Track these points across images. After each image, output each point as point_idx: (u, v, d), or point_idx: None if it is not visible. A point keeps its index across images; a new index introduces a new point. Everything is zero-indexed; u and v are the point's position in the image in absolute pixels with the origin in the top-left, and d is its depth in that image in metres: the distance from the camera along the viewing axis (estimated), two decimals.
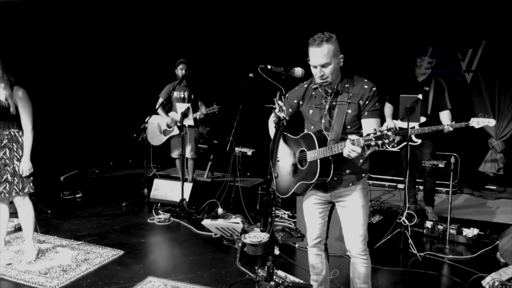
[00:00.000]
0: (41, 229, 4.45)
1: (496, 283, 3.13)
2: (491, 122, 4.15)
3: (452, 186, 6.07)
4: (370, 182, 6.61)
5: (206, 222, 4.21)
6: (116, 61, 7.81)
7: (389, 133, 2.00)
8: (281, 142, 2.65)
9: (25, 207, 3.72)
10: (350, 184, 2.56)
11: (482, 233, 4.39)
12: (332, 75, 2.44)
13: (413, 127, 4.60)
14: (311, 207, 2.74)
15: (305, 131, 2.62)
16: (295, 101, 2.69)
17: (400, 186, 6.20)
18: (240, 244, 2.63)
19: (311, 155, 2.47)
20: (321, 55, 2.37)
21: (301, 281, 1.90)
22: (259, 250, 1.77)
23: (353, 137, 2.12)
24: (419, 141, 4.69)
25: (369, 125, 2.46)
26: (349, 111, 2.48)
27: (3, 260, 3.77)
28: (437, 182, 5.02)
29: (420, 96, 4.08)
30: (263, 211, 1.79)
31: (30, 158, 3.59)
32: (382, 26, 6.20)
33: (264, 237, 1.78)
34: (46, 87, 7.12)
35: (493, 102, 5.78)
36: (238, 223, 3.65)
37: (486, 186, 6.18)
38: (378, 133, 2.04)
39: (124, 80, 7.93)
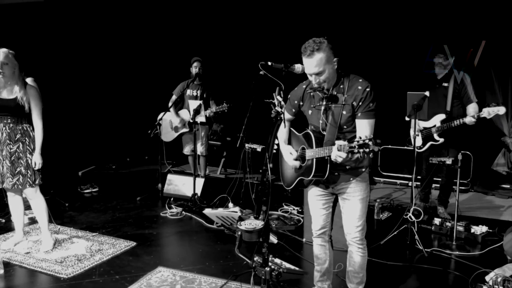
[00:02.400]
0: (58, 221, 4.65)
1: (499, 279, 3.15)
2: (500, 110, 4.12)
3: (464, 184, 6.07)
4: (382, 179, 6.63)
5: (207, 211, 4.37)
6: (135, 59, 7.99)
7: (370, 142, 2.08)
8: (287, 137, 2.75)
9: (37, 200, 3.88)
10: (351, 178, 2.65)
11: (491, 230, 4.38)
12: (327, 80, 2.51)
13: (435, 126, 4.60)
14: (315, 199, 2.85)
15: (307, 129, 2.72)
16: (296, 102, 2.78)
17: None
18: (239, 233, 2.73)
19: (308, 154, 2.59)
20: (313, 65, 2.43)
21: (296, 268, 1.98)
22: (254, 237, 1.87)
23: (340, 142, 2.21)
24: (442, 139, 4.60)
25: (361, 126, 2.52)
26: (344, 112, 2.54)
27: (22, 249, 3.96)
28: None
29: (427, 93, 4.09)
30: (258, 200, 1.89)
31: (41, 152, 3.77)
32: (388, 26, 6.23)
33: (258, 224, 1.87)
34: (68, 86, 7.37)
35: (506, 100, 5.73)
36: (236, 212, 3.79)
37: (500, 185, 6.11)
38: (361, 142, 2.11)
39: (142, 78, 8.11)
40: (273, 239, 2.58)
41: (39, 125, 3.75)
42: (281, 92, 2.19)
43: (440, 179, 5.13)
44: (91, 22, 7.55)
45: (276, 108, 2.11)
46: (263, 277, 1.95)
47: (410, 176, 6.33)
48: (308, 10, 6.62)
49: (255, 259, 1.98)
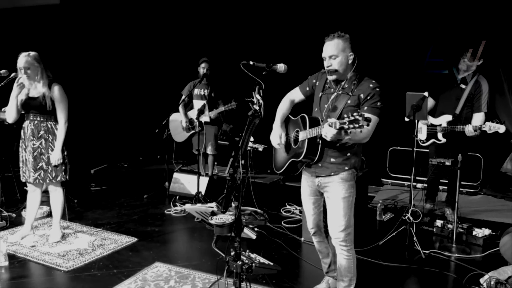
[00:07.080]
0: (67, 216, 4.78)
1: (492, 282, 3.11)
2: (500, 129, 4.11)
3: (474, 187, 5.98)
4: (389, 181, 6.58)
5: (187, 206, 4.53)
6: (149, 59, 8.15)
7: (360, 118, 2.15)
8: (284, 117, 2.93)
9: (56, 193, 4.10)
10: (332, 173, 2.72)
11: (494, 233, 4.31)
12: (339, 67, 2.65)
13: (440, 125, 4.58)
14: (306, 198, 2.98)
15: (304, 113, 2.82)
16: (314, 81, 2.91)
17: (419, 185, 6.14)
18: None
19: (302, 135, 2.71)
20: (330, 47, 2.65)
21: (270, 263, 2.01)
22: (225, 231, 1.92)
23: (332, 120, 2.28)
24: (444, 140, 4.58)
25: None
26: (349, 101, 2.65)
27: (28, 242, 4.11)
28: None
29: (426, 93, 4.06)
30: (227, 195, 1.95)
31: (62, 149, 3.94)
32: (389, 25, 6.19)
33: (229, 219, 1.92)
34: (83, 86, 7.57)
35: None
36: (213, 207, 3.87)
37: (510, 188, 5.99)
38: (352, 118, 2.18)
39: (155, 78, 8.26)
40: (251, 234, 2.61)
41: (61, 122, 3.92)
42: (261, 91, 2.24)
43: (447, 181, 5.09)
44: (105, 23, 7.75)
45: (254, 106, 2.15)
46: (234, 270, 2.00)
47: (418, 178, 6.33)
48: (312, 8, 6.65)
49: (231, 253, 2.03)
